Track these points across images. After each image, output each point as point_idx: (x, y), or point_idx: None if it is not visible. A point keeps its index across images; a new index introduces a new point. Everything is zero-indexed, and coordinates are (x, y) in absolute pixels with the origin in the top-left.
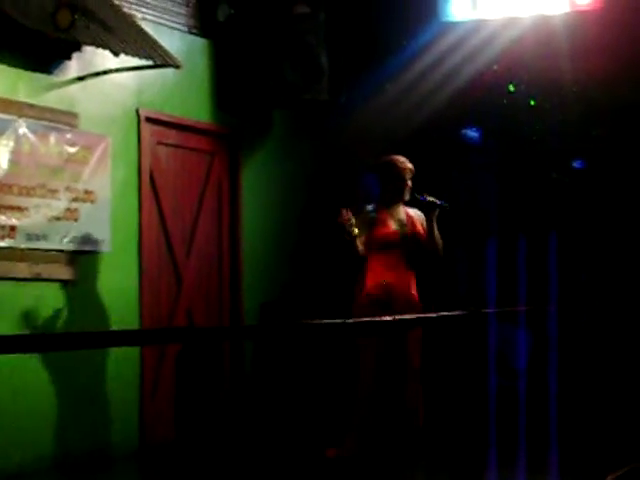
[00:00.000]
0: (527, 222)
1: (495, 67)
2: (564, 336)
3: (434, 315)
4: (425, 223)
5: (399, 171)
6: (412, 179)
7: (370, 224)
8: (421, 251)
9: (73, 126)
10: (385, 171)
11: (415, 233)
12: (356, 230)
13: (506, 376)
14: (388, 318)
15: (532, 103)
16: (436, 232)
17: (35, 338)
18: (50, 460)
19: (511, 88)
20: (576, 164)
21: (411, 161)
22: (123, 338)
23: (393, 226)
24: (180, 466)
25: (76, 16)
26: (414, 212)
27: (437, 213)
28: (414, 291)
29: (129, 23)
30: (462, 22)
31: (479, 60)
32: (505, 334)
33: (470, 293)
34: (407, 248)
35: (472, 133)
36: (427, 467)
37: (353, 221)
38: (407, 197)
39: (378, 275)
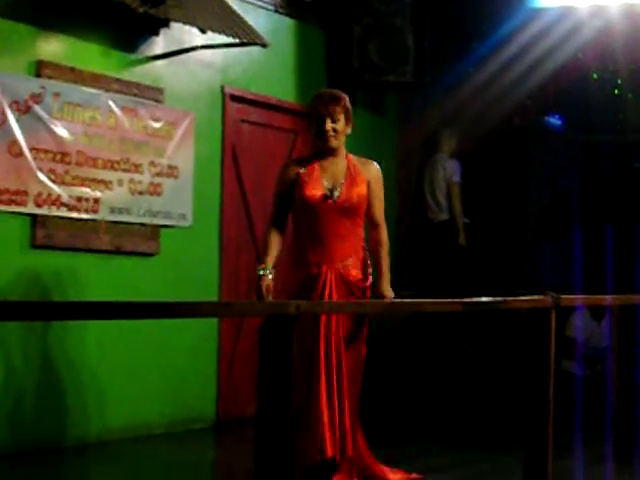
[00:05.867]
0: (610, 211)
1: (580, 55)
2: None
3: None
4: (378, 181)
5: (316, 107)
6: (345, 118)
7: (292, 184)
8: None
9: (158, 101)
10: (307, 112)
11: (348, 195)
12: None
13: (587, 365)
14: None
15: (616, 92)
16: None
17: (112, 306)
18: (129, 430)
19: (595, 76)
20: None
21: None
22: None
23: (322, 186)
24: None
25: None
26: (364, 164)
27: None
28: (355, 271)
29: (216, 0)
30: (549, 9)
31: (564, 48)
32: (586, 323)
33: (556, 282)
34: (339, 215)
35: (555, 120)
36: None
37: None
38: (333, 144)
39: (304, 250)
